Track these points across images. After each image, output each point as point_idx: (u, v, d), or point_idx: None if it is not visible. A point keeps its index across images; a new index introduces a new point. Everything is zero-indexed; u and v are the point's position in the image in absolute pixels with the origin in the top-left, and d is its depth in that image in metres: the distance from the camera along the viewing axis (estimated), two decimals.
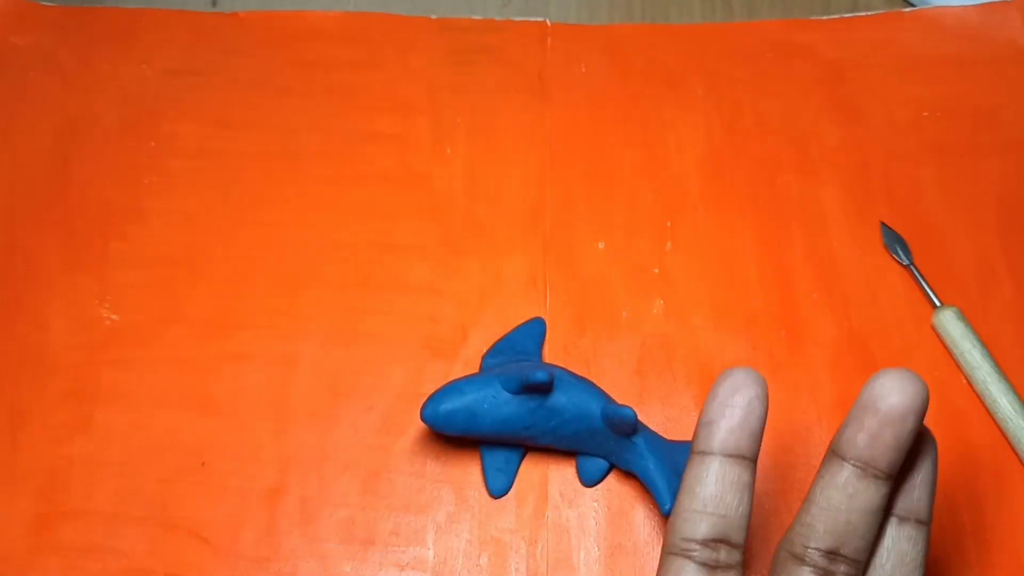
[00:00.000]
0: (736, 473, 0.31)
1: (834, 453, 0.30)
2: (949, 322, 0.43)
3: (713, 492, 0.31)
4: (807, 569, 0.30)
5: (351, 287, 0.45)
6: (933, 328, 0.44)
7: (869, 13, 0.53)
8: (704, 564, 0.30)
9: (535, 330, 0.43)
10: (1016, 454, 0.41)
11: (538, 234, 0.46)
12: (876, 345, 0.44)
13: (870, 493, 0.30)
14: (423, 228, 0.46)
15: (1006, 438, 0.41)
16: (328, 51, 0.51)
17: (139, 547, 0.39)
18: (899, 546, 0.31)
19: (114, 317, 0.44)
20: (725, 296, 0.45)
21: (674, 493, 0.34)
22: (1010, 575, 0.39)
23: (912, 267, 0.45)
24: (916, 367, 0.43)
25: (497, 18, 0.52)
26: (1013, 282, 0.45)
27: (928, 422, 0.42)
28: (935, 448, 0.32)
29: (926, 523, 0.31)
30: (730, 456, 0.31)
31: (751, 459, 0.31)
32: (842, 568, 0.30)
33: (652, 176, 0.48)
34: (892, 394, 0.29)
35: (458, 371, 0.43)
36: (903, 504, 0.31)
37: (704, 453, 0.31)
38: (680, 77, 0.51)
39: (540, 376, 0.37)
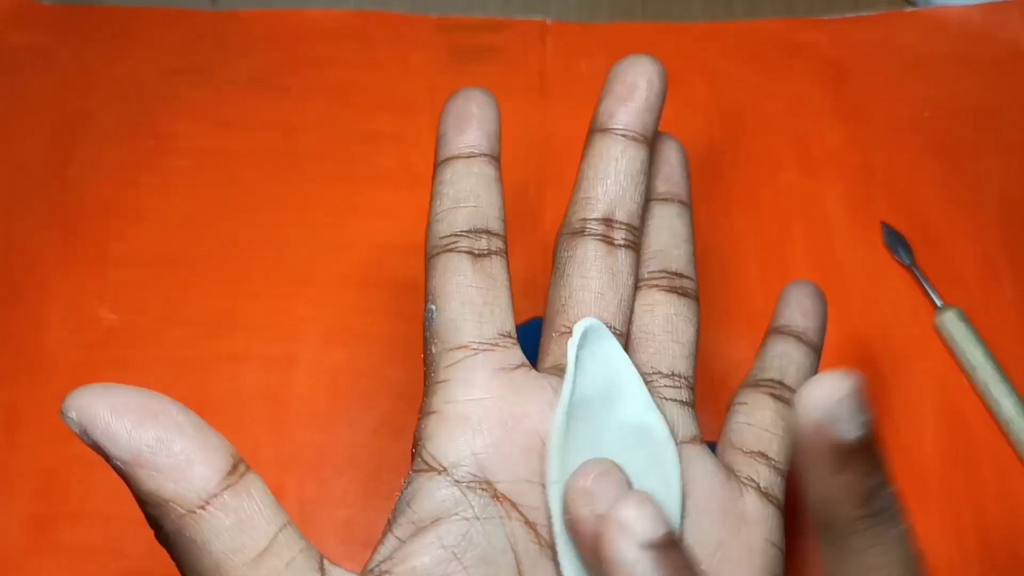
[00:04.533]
0: (480, 166, 0.31)
1: (594, 131, 0.32)
2: (951, 323, 0.43)
3: (464, 187, 0.31)
4: (588, 238, 0.30)
5: (351, 287, 0.45)
6: (935, 329, 0.44)
7: (871, 12, 0.52)
8: (469, 252, 0.30)
9: (535, 330, 0.43)
10: (1018, 455, 0.41)
11: (538, 234, 0.46)
12: (877, 346, 0.43)
13: (631, 154, 0.31)
14: (423, 228, 0.46)
15: (1008, 439, 0.41)
16: (327, 50, 0.51)
17: (138, 548, 0.39)
18: (669, 221, 0.33)
19: (113, 317, 0.44)
20: (725, 296, 0.45)
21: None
22: None
23: (914, 267, 0.45)
24: (918, 368, 0.43)
25: (497, 16, 0.52)
26: (1015, 282, 0.45)
27: (930, 423, 0.42)
28: (675, 139, 0.34)
29: (687, 204, 0.34)
30: (473, 156, 0.31)
31: (493, 156, 0.31)
32: (620, 234, 0.31)
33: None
34: (632, 65, 0.32)
35: None
36: (664, 188, 0.33)
37: (444, 161, 0.31)
38: (681, 76, 0.50)
39: None
